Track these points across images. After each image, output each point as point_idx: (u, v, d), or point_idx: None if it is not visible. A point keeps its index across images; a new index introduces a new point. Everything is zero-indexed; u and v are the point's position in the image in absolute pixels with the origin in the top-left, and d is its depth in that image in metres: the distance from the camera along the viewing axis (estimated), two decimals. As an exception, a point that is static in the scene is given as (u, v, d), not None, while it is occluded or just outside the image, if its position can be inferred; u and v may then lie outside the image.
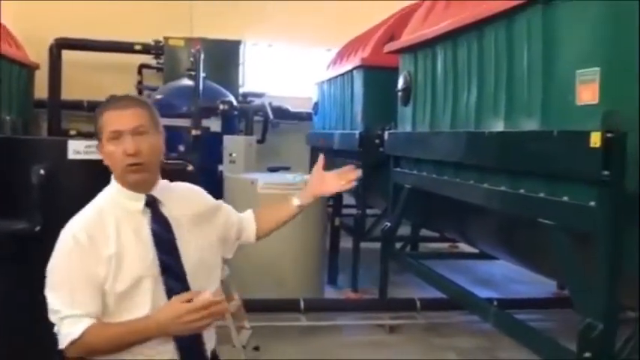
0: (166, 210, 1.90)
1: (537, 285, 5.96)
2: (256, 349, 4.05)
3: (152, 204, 1.88)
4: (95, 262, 1.75)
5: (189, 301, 1.70)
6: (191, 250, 1.89)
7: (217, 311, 1.73)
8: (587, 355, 2.32)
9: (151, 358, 1.78)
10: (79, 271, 1.75)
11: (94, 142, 3.84)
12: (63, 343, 1.73)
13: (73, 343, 1.72)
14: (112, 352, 1.77)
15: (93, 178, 3.81)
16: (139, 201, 1.87)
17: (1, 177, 3.32)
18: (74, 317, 1.73)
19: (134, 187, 1.86)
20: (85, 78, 8.03)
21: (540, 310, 4.88)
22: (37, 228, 3.37)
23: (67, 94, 7.64)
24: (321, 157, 2.27)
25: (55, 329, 1.75)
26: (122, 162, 1.81)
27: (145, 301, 1.78)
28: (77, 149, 3.63)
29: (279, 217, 2.23)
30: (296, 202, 2.21)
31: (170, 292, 1.80)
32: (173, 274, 1.83)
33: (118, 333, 1.75)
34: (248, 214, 2.21)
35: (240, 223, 2.16)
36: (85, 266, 1.75)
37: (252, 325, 4.05)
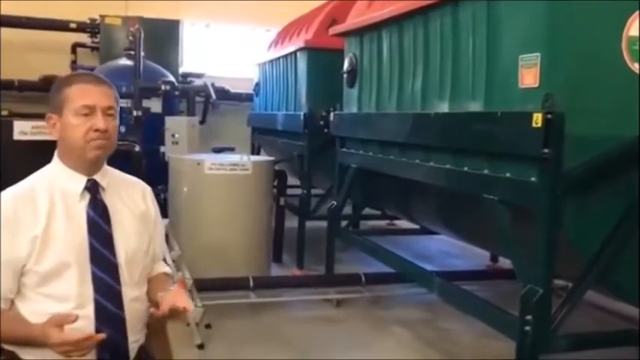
0: (107, 197, 1.85)
1: (471, 259, 6.29)
2: (208, 326, 4.12)
3: (92, 188, 1.82)
4: (16, 239, 1.69)
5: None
6: (129, 240, 1.84)
7: (87, 347, 1.62)
8: (528, 317, 2.53)
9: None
10: None
11: (41, 123, 3.78)
12: None
13: None
14: (3, 341, 1.72)
15: (40, 159, 3.77)
16: (78, 183, 1.80)
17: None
18: None
19: (87, 165, 1.80)
20: (15, 57, 7.70)
21: (475, 282, 5.15)
22: (-15, 210, 3.32)
23: (-4, 73, 7.34)
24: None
25: None
26: (86, 138, 1.75)
27: (68, 291, 1.72)
28: (23, 130, 3.56)
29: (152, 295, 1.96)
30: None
31: (98, 283, 1.75)
32: (103, 264, 1.76)
33: (10, 328, 1.69)
34: (158, 269, 2.06)
35: (155, 254, 2.03)
36: (4, 243, 1.69)
37: (204, 304, 4.11)
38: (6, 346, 1.76)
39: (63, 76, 1.89)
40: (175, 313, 1.79)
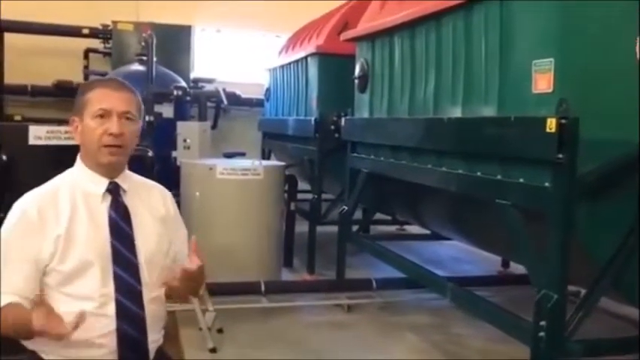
0: (128, 199, 1.89)
1: (481, 264, 6.28)
2: (220, 331, 4.14)
3: (113, 190, 1.86)
4: (40, 240, 1.72)
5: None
6: (148, 242, 1.88)
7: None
8: (543, 323, 2.52)
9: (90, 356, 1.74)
10: (18, 247, 1.72)
11: (56, 128, 3.82)
12: None
13: None
14: (19, 337, 1.73)
15: (54, 163, 3.79)
16: (100, 185, 1.85)
17: (-39, 163, 3.26)
18: None
19: (105, 168, 1.84)
20: (28, 62, 7.79)
21: (486, 288, 5.14)
22: (1, 215, 3.34)
23: (10, 78, 7.41)
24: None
25: None
26: (100, 141, 1.79)
27: (91, 290, 1.74)
28: (38, 135, 3.59)
29: None
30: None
31: (119, 282, 1.78)
32: (125, 264, 1.80)
33: (23, 321, 1.67)
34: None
35: (177, 256, 2.03)
36: (27, 243, 1.72)
37: (216, 308, 4.13)
38: (28, 346, 1.79)
39: (88, 81, 1.92)
40: (191, 276, 1.82)
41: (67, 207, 1.78)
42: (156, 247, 1.90)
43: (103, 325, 1.73)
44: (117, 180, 1.88)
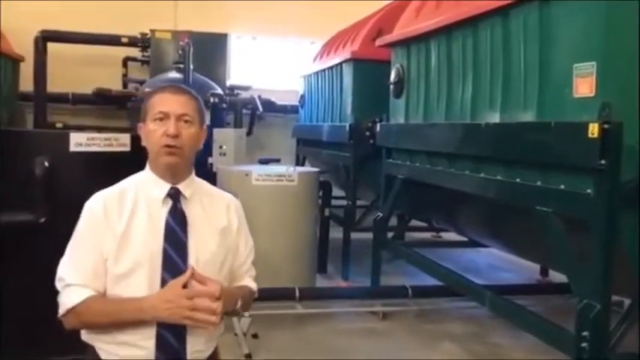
0: (189, 205, 1.89)
1: (519, 272, 6.17)
2: (255, 336, 4.15)
3: (174, 196, 1.87)
4: (104, 236, 1.77)
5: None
6: (202, 251, 1.86)
7: (206, 307, 1.71)
8: (585, 333, 2.45)
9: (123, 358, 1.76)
10: (88, 242, 1.78)
11: (96, 135, 3.89)
12: (60, 311, 1.78)
13: (68, 311, 1.76)
14: (106, 326, 1.77)
15: (94, 170, 3.82)
16: (162, 189, 1.87)
17: (4, 169, 3.34)
18: (75, 286, 1.76)
19: (165, 170, 1.86)
20: (69, 71, 7.97)
21: (525, 296, 5.03)
22: (43, 219, 3.41)
23: (52, 86, 7.58)
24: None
25: (58, 297, 1.79)
26: (160, 142, 1.82)
27: (137, 292, 1.76)
28: (79, 141, 3.66)
29: None
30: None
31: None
32: (173, 270, 1.79)
33: (112, 308, 1.76)
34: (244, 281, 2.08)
35: (237, 270, 2.03)
36: (95, 238, 1.78)
37: (251, 314, 4.14)
38: (87, 340, 1.82)
39: (150, 89, 1.96)
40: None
41: (129, 208, 1.83)
42: (210, 257, 1.88)
43: (145, 329, 1.75)
44: (179, 186, 1.88)
